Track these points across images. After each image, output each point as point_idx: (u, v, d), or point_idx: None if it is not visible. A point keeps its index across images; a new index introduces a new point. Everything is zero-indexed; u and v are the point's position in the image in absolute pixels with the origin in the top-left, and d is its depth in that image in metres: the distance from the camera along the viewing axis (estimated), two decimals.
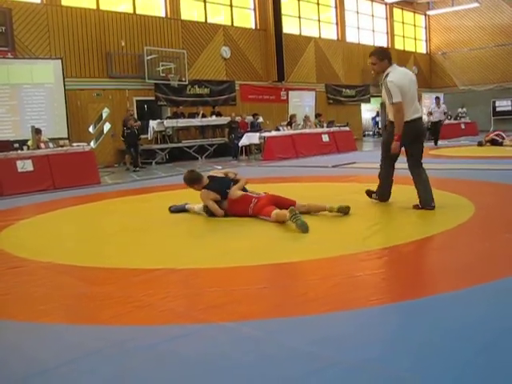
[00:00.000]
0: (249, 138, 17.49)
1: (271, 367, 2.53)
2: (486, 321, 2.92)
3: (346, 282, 3.78)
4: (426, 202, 6.08)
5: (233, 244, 5.18)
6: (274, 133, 17.68)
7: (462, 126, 25.94)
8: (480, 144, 16.96)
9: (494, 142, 16.92)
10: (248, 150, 18.38)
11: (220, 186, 6.48)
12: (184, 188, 7.07)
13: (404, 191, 6.64)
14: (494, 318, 2.96)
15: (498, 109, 31.30)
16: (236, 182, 6.56)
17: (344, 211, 5.96)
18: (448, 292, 3.41)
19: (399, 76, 6.18)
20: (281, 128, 18.49)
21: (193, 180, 6.74)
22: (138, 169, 15.33)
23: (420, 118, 6.29)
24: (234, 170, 6.75)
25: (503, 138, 17.03)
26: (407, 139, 6.12)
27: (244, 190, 6.47)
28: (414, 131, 6.14)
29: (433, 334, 2.79)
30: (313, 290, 3.58)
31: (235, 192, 6.37)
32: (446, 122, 25.65)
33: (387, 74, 6.18)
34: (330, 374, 2.40)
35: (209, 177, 6.74)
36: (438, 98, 19.84)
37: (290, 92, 22.84)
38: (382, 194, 6.63)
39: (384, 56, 6.29)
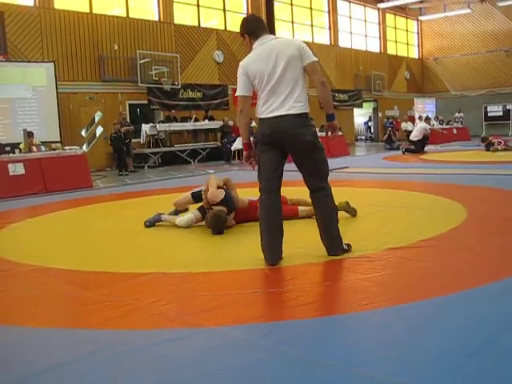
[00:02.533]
0: (241, 143, 17.45)
1: (262, 371, 2.53)
2: (477, 325, 2.93)
3: (337, 286, 3.78)
4: (329, 248, 4.53)
5: (224, 248, 5.18)
6: None
7: (454, 131, 26.04)
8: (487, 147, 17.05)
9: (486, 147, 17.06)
10: (241, 154, 18.36)
11: (231, 203, 6.03)
12: (176, 192, 7.06)
13: (395, 196, 6.66)
14: (484, 322, 2.96)
15: (489, 114, 31.44)
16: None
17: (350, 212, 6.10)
18: (438, 296, 3.42)
19: (253, 56, 4.44)
20: None
21: (224, 219, 5.86)
22: (123, 172, 15.29)
23: (282, 117, 4.28)
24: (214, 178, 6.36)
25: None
26: (260, 142, 4.51)
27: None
28: (265, 133, 4.40)
29: (423, 339, 2.80)
30: (304, 295, 3.57)
31: (243, 200, 6.15)
32: (438, 126, 25.86)
33: None
34: (320, 379, 2.40)
35: (221, 202, 5.97)
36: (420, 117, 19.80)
37: None
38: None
39: (242, 30, 4.56)
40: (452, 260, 4.30)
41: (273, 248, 4.39)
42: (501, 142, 16.91)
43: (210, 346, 2.84)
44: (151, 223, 6.40)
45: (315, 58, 4.39)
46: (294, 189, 5.84)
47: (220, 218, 5.74)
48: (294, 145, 4.32)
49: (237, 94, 4.45)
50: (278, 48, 4.31)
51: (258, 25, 4.50)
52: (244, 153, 4.65)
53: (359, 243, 4.84)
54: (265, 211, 4.45)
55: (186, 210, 6.72)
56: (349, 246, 4.57)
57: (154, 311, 3.39)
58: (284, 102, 4.26)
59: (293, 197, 6.35)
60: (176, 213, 6.57)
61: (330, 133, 4.53)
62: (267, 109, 4.31)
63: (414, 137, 18.40)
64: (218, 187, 6.08)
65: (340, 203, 5.81)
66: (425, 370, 2.43)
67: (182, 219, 6.22)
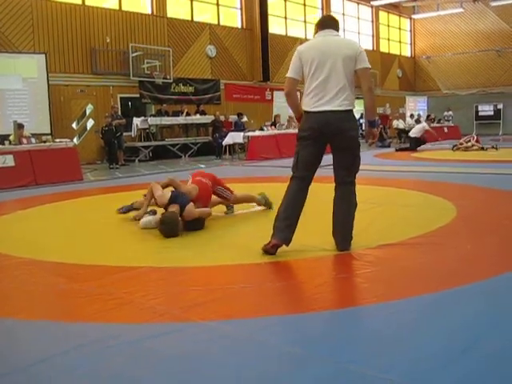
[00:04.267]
0: (233, 138, 17.48)
1: (252, 366, 2.53)
2: (467, 322, 2.94)
3: (328, 283, 3.79)
4: (342, 241, 4.62)
5: (214, 243, 5.17)
6: (258, 133, 17.69)
7: (445, 130, 26.13)
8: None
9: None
10: (232, 149, 18.36)
11: (183, 197, 5.78)
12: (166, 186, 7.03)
13: (386, 193, 6.68)
14: (473, 320, 2.98)
15: (480, 113, 31.63)
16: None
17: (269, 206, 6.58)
18: (428, 294, 3.44)
19: (312, 44, 4.54)
20: (265, 128, 18.51)
21: (175, 223, 5.47)
22: (114, 166, 15.25)
23: (330, 112, 4.35)
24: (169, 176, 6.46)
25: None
26: (302, 136, 4.53)
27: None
28: (311, 127, 4.43)
29: (414, 336, 2.81)
30: (294, 291, 3.58)
31: (193, 188, 5.98)
32: (431, 125, 25.98)
33: None
34: (310, 374, 2.41)
35: (172, 198, 5.74)
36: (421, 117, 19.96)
37: (274, 92, 22.88)
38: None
39: (316, 25, 4.70)
40: (441, 258, 4.31)
41: (284, 230, 4.45)
42: (469, 140, 17.21)
43: (199, 341, 2.83)
44: (126, 210, 6.55)
45: (369, 65, 4.49)
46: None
47: (165, 222, 5.42)
48: (340, 139, 4.43)
49: (287, 75, 4.49)
50: (336, 44, 4.45)
51: (329, 21, 4.68)
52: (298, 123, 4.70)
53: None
54: (291, 197, 4.54)
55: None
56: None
57: (143, 305, 3.39)
58: (334, 97, 4.34)
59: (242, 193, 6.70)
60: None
61: (370, 138, 4.75)
62: (316, 102, 4.38)
63: (413, 133, 18.66)
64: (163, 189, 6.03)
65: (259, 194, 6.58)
66: (416, 367, 2.44)
67: (143, 220, 5.99)
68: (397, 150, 18.38)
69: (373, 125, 4.66)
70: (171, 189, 5.98)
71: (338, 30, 4.65)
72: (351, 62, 4.38)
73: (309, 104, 4.43)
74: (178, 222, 5.49)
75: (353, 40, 4.95)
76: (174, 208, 5.59)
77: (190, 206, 5.66)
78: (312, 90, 4.39)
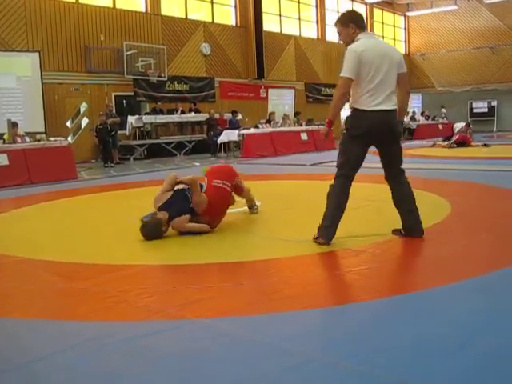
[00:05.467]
0: (227, 135, 17.47)
1: (247, 363, 2.54)
2: (462, 318, 2.96)
3: (323, 279, 3.80)
4: (420, 227, 4.80)
5: (209, 241, 5.17)
6: (252, 130, 17.69)
7: (440, 127, 26.18)
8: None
9: (460, 144, 17.28)
10: (227, 147, 18.35)
11: (181, 204, 5.37)
12: (161, 185, 7.00)
13: (381, 190, 6.66)
14: (469, 316, 2.99)
15: (474, 110, 31.71)
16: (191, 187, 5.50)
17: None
18: (424, 290, 3.45)
19: (368, 45, 4.58)
20: (260, 126, 18.50)
21: (156, 229, 5.24)
22: (108, 164, 15.24)
23: (387, 112, 4.58)
24: (173, 173, 6.00)
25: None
26: (358, 135, 4.62)
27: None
28: (371, 125, 4.54)
29: (408, 331, 2.82)
30: (289, 288, 3.59)
31: (201, 204, 5.36)
32: (425, 122, 26.13)
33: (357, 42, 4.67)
34: (305, 371, 2.42)
35: (160, 208, 5.40)
36: (466, 125, 20.04)
37: (269, 90, 22.85)
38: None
39: (349, 19, 4.74)
40: (436, 254, 4.33)
41: (333, 230, 4.64)
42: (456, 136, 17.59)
43: (195, 338, 2.84)
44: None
45: (406, 69, 4.90)
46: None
47: (144, 227, 5.22)
48: (392, 135, 4.70)
49: (344, 74, 4.53)
50: (388, 49, 4.81)
51: (363, 20, 4.84)
52: (326, 128, 4.77)
53: (345, 237, 4.86)
54: (340, 196, 4.73)
55: None
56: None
57: (138, 303, 3.39)
58: (388, 97, 4.59)
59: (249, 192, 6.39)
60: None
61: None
62: (373, 101, 4.54)
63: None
64: (174, 188, 5.61)
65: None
66: (411, 363, 2.45)
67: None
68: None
69: (401, 124, 5.06)
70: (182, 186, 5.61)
71: None
72: (397, 67, 4.68)
73: (365, 103, 4.56)
74: (158, 229, 5.22)
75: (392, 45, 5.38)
76: (161, 215, 5.29)
77: (182, 219, 5.30)
78: (369, 90, 4.53)
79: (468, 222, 5.55)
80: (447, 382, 2.28)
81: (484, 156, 13.65)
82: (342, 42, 4.89)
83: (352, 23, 4.69)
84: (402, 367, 2.41)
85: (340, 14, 4.93)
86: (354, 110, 4.64)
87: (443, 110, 29.45)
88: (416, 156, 14.34)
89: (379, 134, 4.62)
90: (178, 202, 5.37)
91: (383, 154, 4.83)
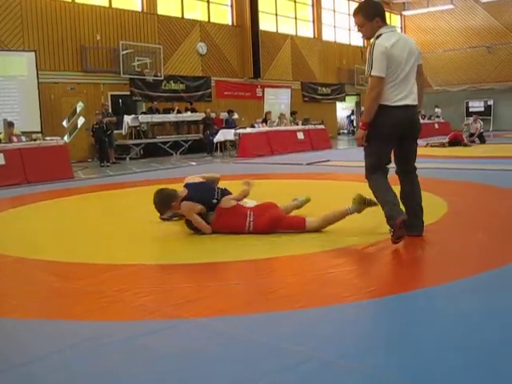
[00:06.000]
0: (224, 135, 17.47)
1: (244, 363, 2.53)
2: (458, 317, 2.96)
3: (320, 278, 3.80)
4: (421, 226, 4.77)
5: (206, 240, 5.16)
6: (249, 130, 17.70)
7: (436, 126, 26.22)
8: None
9: (453, 143, 17.48)
10: (223, 146, 18.35)
11: (204, 195, 5.28)
12: (157, 184, 7.01)
13: None
14: (465, 315, 3.00)
15: (471, 109, 31.73)
16: (224, 191, 5.42)
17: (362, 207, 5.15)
18: (418, 289, 3.45)
19: (394, 40, 4.42)
20: (256, 125, 18.52)
21: (166, 198, 5.25)
22: (105, 164, 15.22)
23: (410, 107, 4.51)
24: (212, 172, 5.92)
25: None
26: (385, 132, 4.48)
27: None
28: (396, 121, 4.45)
29: (407, 330, 2.83)
30: (286, 287, 3.59)
31: (229, 202, 5.25)
32: (421, 121, 26.11)
33: (378, 36, 4.49)
34: (302, 370, 2.42)
35: (186, 185, 5.39)
36: (475, 116, 20.21)
37: (265, 89, 22.89)
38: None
39: (374, 12, 4.55)
40: (433, 253, 4.33)
41: (399, 208, 4.51)
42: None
43: (191, 338, 2.84)
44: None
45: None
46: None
47: (158, 197, 5.25)
48: (414, 130, 4.66)
49: (376, 73, 4.37)
50: (409, 42, 4.62)
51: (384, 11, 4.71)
52: (361, 131, 4.54)
53: (340, 237, 4.86)
54: (386, 183, 4.58)
55: None
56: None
57: (135, 303, 3.39)
58: (410, 91, 4.50)
59: (281, 204, 5.53)
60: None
61: None
62: (396, 96, 4.43)
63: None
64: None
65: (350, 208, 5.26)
66: (407, 362, 2.45)
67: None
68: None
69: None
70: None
71: None
72: (418, 59, 4.60)
73: (388, 98, 4.43)
74: (168, 202, 5.24)
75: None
76: (180, 191, 5.29)
77: (193, 205, 5.19)
78: (394, 85, 4.42)
79: (465, 221, 5.55)
80: (447, 381, 2.28)
81: (481, 155, 13.67)
82: (361, 35, 4.81)
83: (378, 17, 4.53)
84: (400, 366, 2.41)
85: (361, 4, 4.73)
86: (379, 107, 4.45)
87: (436, 110, 29.46)
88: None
89: (403, 130, 4.52)
90: (202, 191, 5.31)
91: (400, 150, 4.71)
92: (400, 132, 4.51)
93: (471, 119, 20.04)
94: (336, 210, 5.13)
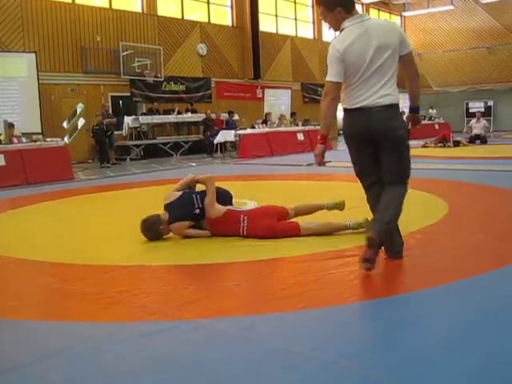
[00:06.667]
0: (224, 136, 17.48)
1: (244, 363, 2.53)
2: (456, 317, 2.95)
3: (321, 279, 3.79)
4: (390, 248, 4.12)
5: (206, 241, 5.16)
6: (249, 131, 17.70)
7: (436, 127, 26.19)
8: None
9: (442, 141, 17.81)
10: (223, 147, 18.35)
11: (184, 210, 5.17)
12: (157, 185, 7.00)
13: None
14: (468, 315, 2.99)
15: (471, 110, 31.70)
16: (201, 193, 5.27)
17: (340, 207, 5.41)
18: (420, 290, 3.45)
19: (351, 39, 3.77)
20: (256, 126, 18.53)
21: (153, 225, 5.16)
22: (105, 165, 15.23)
23: (372, 109, 3.80)
24: (190, 174, 5.69)
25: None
26: (352, 140, 4.02)
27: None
28: (355, 126, 3.91)
29: (407, 331, 2.82)
30: (286, 288, 3.58)
31: (214, 210, 5.10)
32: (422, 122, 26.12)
33: (341, 31, 3.88)
34: (303, 371, 2.41)
35: (166, 207, 5.26)
36: (479, 113, 20.13)
37: (265, 90, 22.88)
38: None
39: (335, 2, 3.81)
40: (434, 254, 4.32)
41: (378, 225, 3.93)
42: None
43: (192, 339, 2.84)
44: None
45: (412, 47, 4.00)
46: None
47: (143, 224, 5.16)
48: (383, 140, 3.85)
49: (329, 79, 3.81)
50: (379, 34, 3.79)
51: (352, 0, 3.92)
52: (319, 146, 3.99)
53: (341, 237, 4.86)
54: (375, 203, 4.03)
55: None
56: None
57: (134, 304, 3.38)
58: (375, 92, 3.80)
59: (297, 203, 5.45)
60: None
61: (414, 124, 4.27)
62: (357, 98, 3.83)
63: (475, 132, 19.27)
64: (187, 187, 5.49)
65: (327, 204, 5.41)
66: (407, 363, 2.44)
67: None
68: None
69: (417, 111, 4.30)
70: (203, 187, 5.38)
71: None
72: (397, 52, 3.89)
73: (348, 102, 3.93)
74: (154, 227, 5.16)
75: (391, 21, 4.34)
76: (162, 214, 5.21)
77: (181, 225, 5.17)
78: (353, 86, 3.87)
79: (465, 222, 5.54)
80: (447, 381, 2.28)
81: (481, 156, 13.66)
82: (328, 27, 4.04)
83: (340, 7, 3.81)
84: (400, 367, 2.41)
85: None
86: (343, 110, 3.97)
87: (431, 111, 29.42)
88: (413, 157, 14.33)
89: (366, 136, 3.86)
90: (182, 206, 5.19)
91: (380, 160, 3.98)
92: (364, 138, 3.88)
93: (474, 120, 19.99)
94: (337, 222, 5.12)
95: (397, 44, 3.82)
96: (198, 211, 5.16)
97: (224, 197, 5.43)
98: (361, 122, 3.85)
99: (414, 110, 4.23)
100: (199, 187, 5.50)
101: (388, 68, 3.82)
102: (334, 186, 8.41)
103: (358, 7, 30.37)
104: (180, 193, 5.35)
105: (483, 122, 19.71)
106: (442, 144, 17.60)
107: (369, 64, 3.76)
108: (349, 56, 3.75)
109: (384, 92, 3.82)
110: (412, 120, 4.28)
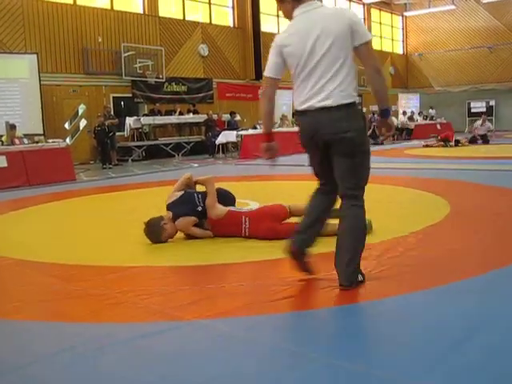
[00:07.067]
0: (226, 136, 17.48)
1: (246, 364, 2.53)
2: (454, 319, 2.95)
3: (321, 280, 3.79)
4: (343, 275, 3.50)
5: (209, 242, 5.16)
6: (251, 131, 17.70)
7: (438, 127, 26.17)
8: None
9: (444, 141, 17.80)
10: (225, 148, 18.35)
11: (187, 207, 5.18)
12: (159, 186, 7.00)
13: (378, 190, 6.68)
14: (469, 315, 2.99)
15: (472, 110, 31.72)
16: (203, 193, 5.29)
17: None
18: (418, 291, 3.44)
19: (292, 30, 3.55)
20: (258, 126, 18.52)
21: (156, 223, 5.12)
22: (107, 166, 15.26)
23: (315, 111, 3.43)
24: (187, 173, 5.70)
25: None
26: (307, 147, 3.71)
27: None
28: (302, 129, 3.65)
29: (408, 331, 2.82)
30: (288, 288, 3.58)
31: (215, 210, 5.12)
32: (423, 122, 26.21)
33: None
34: (304, 371, 2.41)
35: (168, 207, 5.30)
36: (484, 116, 20.18)
37: None
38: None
39: None
40: (435, 254, 4.32)
41: (300, 238, 3.75)
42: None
43: (194, 339, 2.84)
44: None
45: (369, 37, 3.47)
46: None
47: (147, 226, 5.12)
48: (335, 143, 3.43)
49: (265, 73, 3.67)
50: (323, 21, 3.38)
51: None
52: (263, 144, 3.77)
53: None
54: (311, 206, 3.79)
55: None
56: (363, 276, 3.61)
57: (137, 304, 3.38)
58: (317, 91, 3.41)
59: (297, 203, 5.17)
60: None
61: (383, 131, 3.68)
62: (299, 99, 3.55)
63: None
64: (186, 187, 5.51)
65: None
66: (407, 363, 2.44)
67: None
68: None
69: (386, 114, 3.66)
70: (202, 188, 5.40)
71: None
72: (346, 40, 3.43)
73: (296, 102, 3.68)
74: (156, 228, 5.11)
75: (342, 8, 3.81)
76: (165, 214, 5.22)
77: (187, 221, 5.15)
78: (297, 85, 3.60)
79: (467, 222, 5.54)
80: (447, 381, 2.28)
81: (483, 156, 13.65)
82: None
83: None
84: (400, 367, 2.41)
85: None
86: None
87: (431, 111, 29.41)
88: (412, 156, 14.35)
89: (313, 140, 3.53)
90: (184, 204, 5.23)
91: (333, 165, 3.55)
92: (317, 144, 3.53)
93: (479, 122, 20.02)
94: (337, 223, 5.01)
95: (344, 32, 3.34)
96: (200, 209, 5.17)
97: (225, 197, 5.45)
98: (310, 126, 3.50)
99: (381, 113, 3.61)
100: (199, 188, 5.53)
101: (334, 59, 3.37)
102: None
103: (359, 7, 30.40)
104: (181, 192, 5.39)
105: (488, 124, 19.76)
106: (443, 143, 17.61)
107: (309, 54, 3.38)
108: (287, 47, 3.51)
109: (331, 87, 3.37)
110: (380, 125, 3.72)
